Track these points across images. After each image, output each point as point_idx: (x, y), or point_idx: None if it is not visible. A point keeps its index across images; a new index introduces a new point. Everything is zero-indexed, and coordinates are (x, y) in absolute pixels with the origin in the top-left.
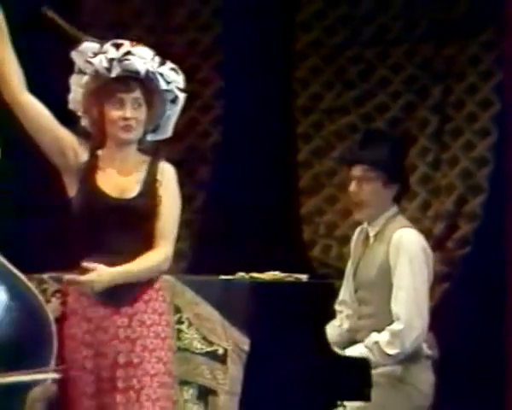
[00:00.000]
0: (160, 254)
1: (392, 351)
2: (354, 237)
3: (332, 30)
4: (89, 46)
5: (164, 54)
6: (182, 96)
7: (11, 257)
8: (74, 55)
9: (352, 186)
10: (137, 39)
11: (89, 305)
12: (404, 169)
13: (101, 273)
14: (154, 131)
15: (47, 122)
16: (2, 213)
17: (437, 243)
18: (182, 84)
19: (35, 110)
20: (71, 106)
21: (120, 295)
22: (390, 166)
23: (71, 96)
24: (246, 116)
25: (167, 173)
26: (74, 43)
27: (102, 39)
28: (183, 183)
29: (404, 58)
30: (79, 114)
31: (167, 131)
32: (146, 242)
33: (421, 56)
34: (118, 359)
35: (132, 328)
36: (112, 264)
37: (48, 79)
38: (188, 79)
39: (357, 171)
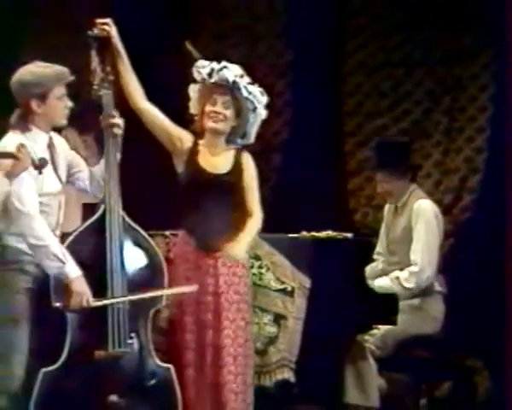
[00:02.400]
0: (259, 216)
1: (408, 285)
2: (386, 209)
3: (371, 55)
4: (202, 63)
5: (251, 74)
6: (264, 112)
7: (136, 218)
8: (193, 69)
9: (378, 188)
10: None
11: (190, 251)
12: (411, 162)
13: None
14: (243, 137)
15: (159, 122)
16: (131, 183)
17: (446, 210)
18: (264, 102)
19: (151, 114)
20: (191, 110)
21: (210, 244)
22: (400, 166)
23: (191, 103)
24: (307, 119)
25: (248, 159)
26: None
27: None
28: (261, 168)
29: (423, 75)
30: (196, 117)
31: (251, 138)
32: (233, 209)
33: (436, 74)
34: (208, 288)
35: (217, 267)
36: (208, 226)
37: (171, 90)
38: (267, 92)
39: (377, 176)
